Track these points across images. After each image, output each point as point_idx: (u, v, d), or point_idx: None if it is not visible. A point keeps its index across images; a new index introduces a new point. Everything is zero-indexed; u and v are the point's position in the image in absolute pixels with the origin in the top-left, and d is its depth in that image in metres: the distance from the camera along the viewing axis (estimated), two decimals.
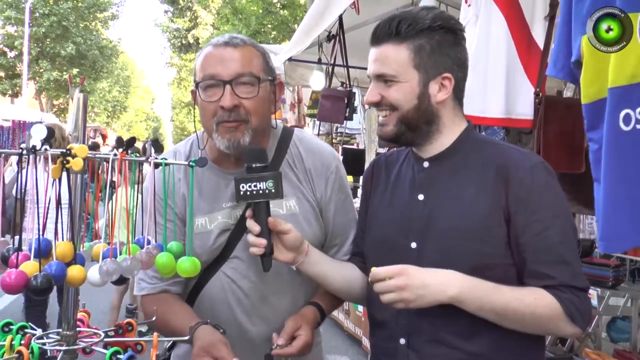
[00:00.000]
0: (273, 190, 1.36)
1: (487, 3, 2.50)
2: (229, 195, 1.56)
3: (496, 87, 2.52)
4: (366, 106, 7.20)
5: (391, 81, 1.39)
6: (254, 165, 1.39)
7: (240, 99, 1.44)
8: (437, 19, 1.39)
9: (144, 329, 3.88)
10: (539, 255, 1.31)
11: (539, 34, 2.55)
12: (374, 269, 1.31)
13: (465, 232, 1.34)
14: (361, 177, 6.88)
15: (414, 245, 1.41)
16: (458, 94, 1.44)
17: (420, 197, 1.43)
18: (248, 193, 1.37)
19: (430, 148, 1.45)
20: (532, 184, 1.33)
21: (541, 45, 2.57)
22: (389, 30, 1.38)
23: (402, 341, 1.41)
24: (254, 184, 1.36)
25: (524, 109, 2.61)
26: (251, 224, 1.41)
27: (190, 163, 1.21)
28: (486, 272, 1.32)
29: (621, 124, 1.68)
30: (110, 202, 1.20)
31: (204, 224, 1.55)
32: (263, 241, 1.39)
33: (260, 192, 1.36)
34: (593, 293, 3.02)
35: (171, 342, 1.64)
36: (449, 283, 1.29)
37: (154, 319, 1.39)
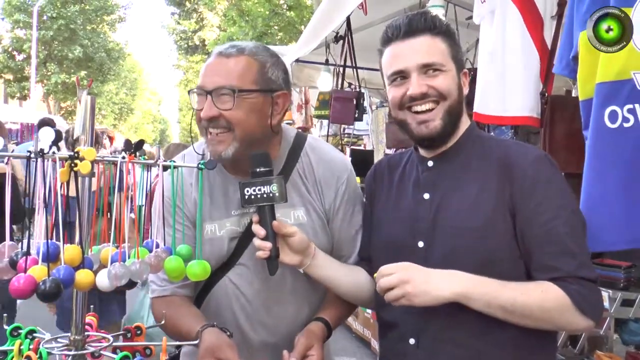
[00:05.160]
0: (277, 194, 1.38)
1: None
2: (237, 202, 1.56)
3: (515, 84, 2.50)
4: (373, 107, 7.20)
5: (438, 70, 1.40)
6: (257, 170, 1.40)
7: (220, 110, 1.45)
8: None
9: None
10: (545, 246, 1.31)
11: (547, 33, 2.53)
12: (380, 268, 1.33)
13: (471, 229, 1.34)
14: None
15: (421, 244, 1.41)
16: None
17: (426, 196, 1.44)
18: (252, 197, 1.38)
19: (443, 143, 1.46)
20: (535, 176, 1.33)
21: (550, 45, 2.55)
22: (425, 24, 1.41)
23: (412, 341, 1.41)
24: (258, 187, 1.38)
25: (537, 107, 2.59)
26: (257, 228, 1.41)
27: (200, 165, 1.21)
28: (494, 268, 1.31)
29: (606, 121, 1.64)
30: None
31: (213, 230, 1.56)
32: (268, 244, 1.40)
33: (265, 195, 1.38)
34: (604, 295, 2.98)
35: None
36: (454, 280, 1.29)
37: (162, 322, 1.39)
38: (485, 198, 1.35)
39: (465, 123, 1.47)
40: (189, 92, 1.53)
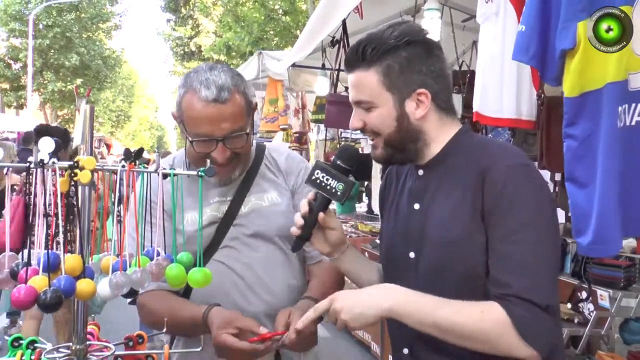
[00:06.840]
0: (338, 193, 1.39)
1: (505, 0, 2.49)
2: (216, 192, 1.68)
3: (510, 86, 2.51)
4: None
5: (369, 107, 1.36)
6: (338, 163, 1.43)
7: (233, 150, 1.57)
8: (403, 34, 1.33)
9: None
10: (500, 261, 1.24)
11: None
12: (314, 308, 1.33)
13: (453, 241, 1.29)
14: (366, 182, 6.87)
15: (412, 255, 1.39)
16: (441, 104, 1.38)
17: (416, 206, 1.40)
18: (318, 181, 1.40)
19: (422, 159, 1.43)
20: (504, 187, 1.25)
21: None
22: (356, 56, 1.36)
23: (406, 351, 1.41)
24: (327, 178, 1.40)
25: (529, 109, 2.61)
26: (304, 204, 1.43)
27: (200, 173, 1.21)
28: (477, 282, 1.27)
29: (618, 120, 1.64)
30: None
31: (193, 219, 1.64)
32: (302, 223, 1.42)
33: (328, 187, 1.40)
34: (605, 294, 2.99)
35: (173, 343, 1.69)
36: (384, 295, 1.26)
37: (164, 330, 1.39)
38: (464, 208, 1.29)
39: (448, 133, 1.40)
40: (191, 142, 1.56)
